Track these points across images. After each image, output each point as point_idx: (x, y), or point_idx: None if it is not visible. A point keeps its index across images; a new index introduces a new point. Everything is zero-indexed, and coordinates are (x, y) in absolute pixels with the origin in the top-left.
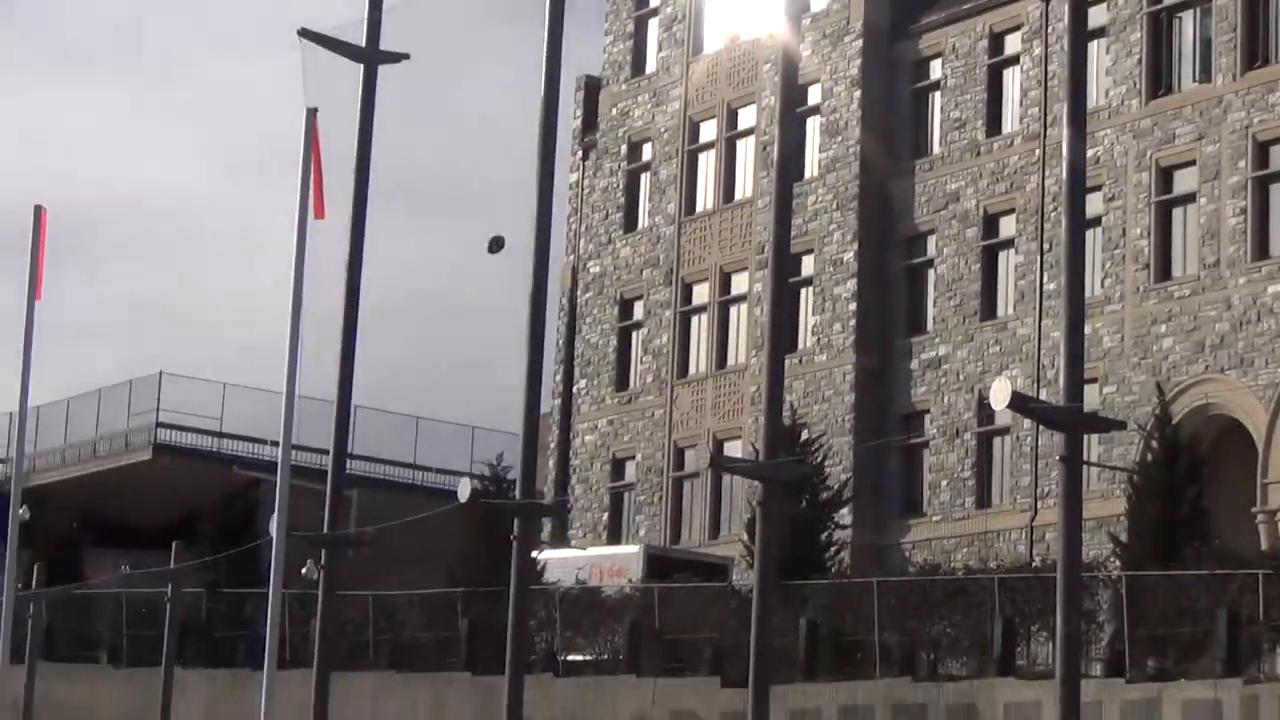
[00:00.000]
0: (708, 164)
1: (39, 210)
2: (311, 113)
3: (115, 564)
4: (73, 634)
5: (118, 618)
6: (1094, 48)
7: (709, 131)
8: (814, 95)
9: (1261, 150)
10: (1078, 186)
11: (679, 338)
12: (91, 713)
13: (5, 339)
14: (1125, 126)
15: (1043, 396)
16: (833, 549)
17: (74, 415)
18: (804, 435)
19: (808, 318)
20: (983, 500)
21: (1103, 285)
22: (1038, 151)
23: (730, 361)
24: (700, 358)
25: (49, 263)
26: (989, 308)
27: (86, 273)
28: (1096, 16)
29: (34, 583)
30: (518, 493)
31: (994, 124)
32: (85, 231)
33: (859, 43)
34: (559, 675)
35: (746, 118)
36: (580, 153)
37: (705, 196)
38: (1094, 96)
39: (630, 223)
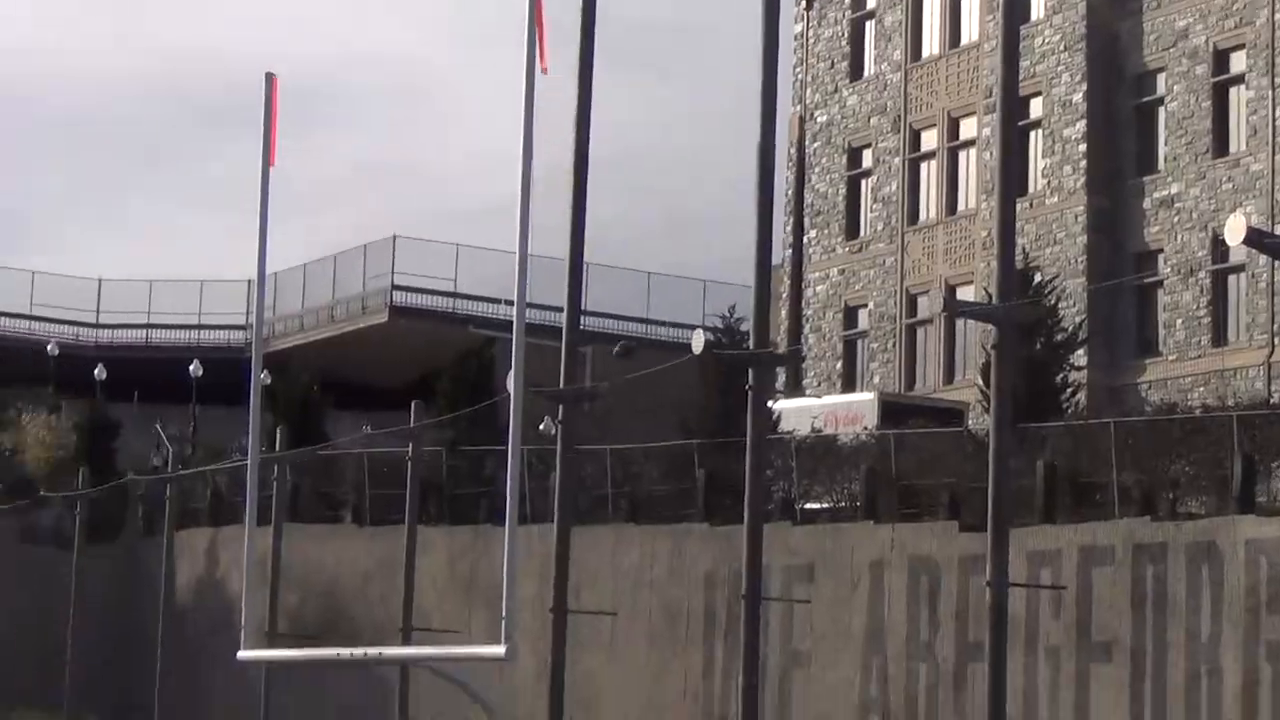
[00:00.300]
0: (933, 8)
1: (270, 77)
2: None
3: (356, 425)
4: (317, 495)
5: (360, 478)
6: None
7: None
8: None
9: None
10: None
11: (908, 185)
12: (337, 570)
13: (242, 207)
14: None
15: (1278, 232)
16: (1068, 390)
17: (311, 280)
18: (1036, 278)
19: (1037, 160)
20: (1218, 338)
21: None
22: None
23: (960, 207)
24: (930, 204)
25: (283, 130)
26: (1221, 144)
27: (320, 139)
28: None
29: (278, 445)
30: (751, 343)
31: None
32: (318, 98)
33: None
34: (796, 523)
35: None
36: (804, 2)
37: (931, 42)
38: None
39: (856, 71)
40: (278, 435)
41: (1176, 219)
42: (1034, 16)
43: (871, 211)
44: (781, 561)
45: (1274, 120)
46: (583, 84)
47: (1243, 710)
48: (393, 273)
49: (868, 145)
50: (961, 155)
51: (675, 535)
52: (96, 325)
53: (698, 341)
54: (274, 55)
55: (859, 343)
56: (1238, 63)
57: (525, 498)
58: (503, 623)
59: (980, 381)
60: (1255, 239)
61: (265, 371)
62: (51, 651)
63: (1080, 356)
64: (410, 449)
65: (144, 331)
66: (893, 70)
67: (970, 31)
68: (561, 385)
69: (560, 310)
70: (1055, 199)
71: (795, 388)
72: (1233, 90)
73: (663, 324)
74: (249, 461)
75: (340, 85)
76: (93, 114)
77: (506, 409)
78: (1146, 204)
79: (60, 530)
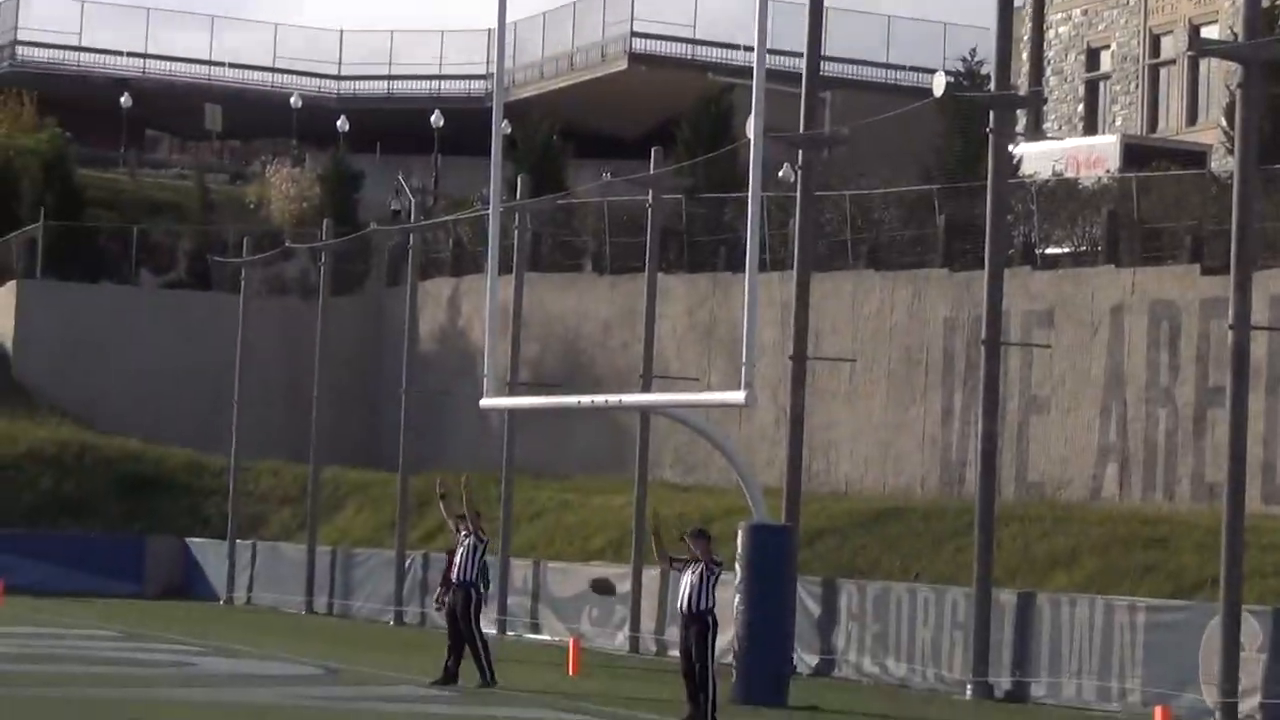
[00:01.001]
0: None
1: None
2: None
3: (596, 173)
4: (557, 243)
5: (600, 226)
6: None
7: None
8: None
9: None
10: None
11: None
12: (578, 319)
13: None
14: None
15: None
16: None
17: (550, 28)
18: None
19: None
20: None
21: None
22: None
23: None
24: None
25: None
26: None
27: None
28: None
29: (518, 194)
30: (992, 85)
31: None
32: None
33: None
34: (1037, 268)
35: None
36: None
37: None
38: None
39: None
40: (518, 184)
41: None
42: None
43: None
44: (1021, 306)
45: None
46: None
47: None
48: (631, 19)
49: None
50: None
51: (915, 281)
52: (339, 77)
53: (938, 84)
54: None
55: (1101, 84)
56: None
57: (764, 245)
58: (742, 369)
59: (1224, 123)
60: None
61: (506, 120)
62: (297, 401)
63: None
64: (650, 196)
65: (385, 82)
66: None
67: None
68: (801, 130)
69: (800, 55)
70: None
71: (1036, 131)
72: None
73: (902, 68)
74: (490, 211)
75: None
76: None
77: (746, 155)
78: None
79: (305, 281)
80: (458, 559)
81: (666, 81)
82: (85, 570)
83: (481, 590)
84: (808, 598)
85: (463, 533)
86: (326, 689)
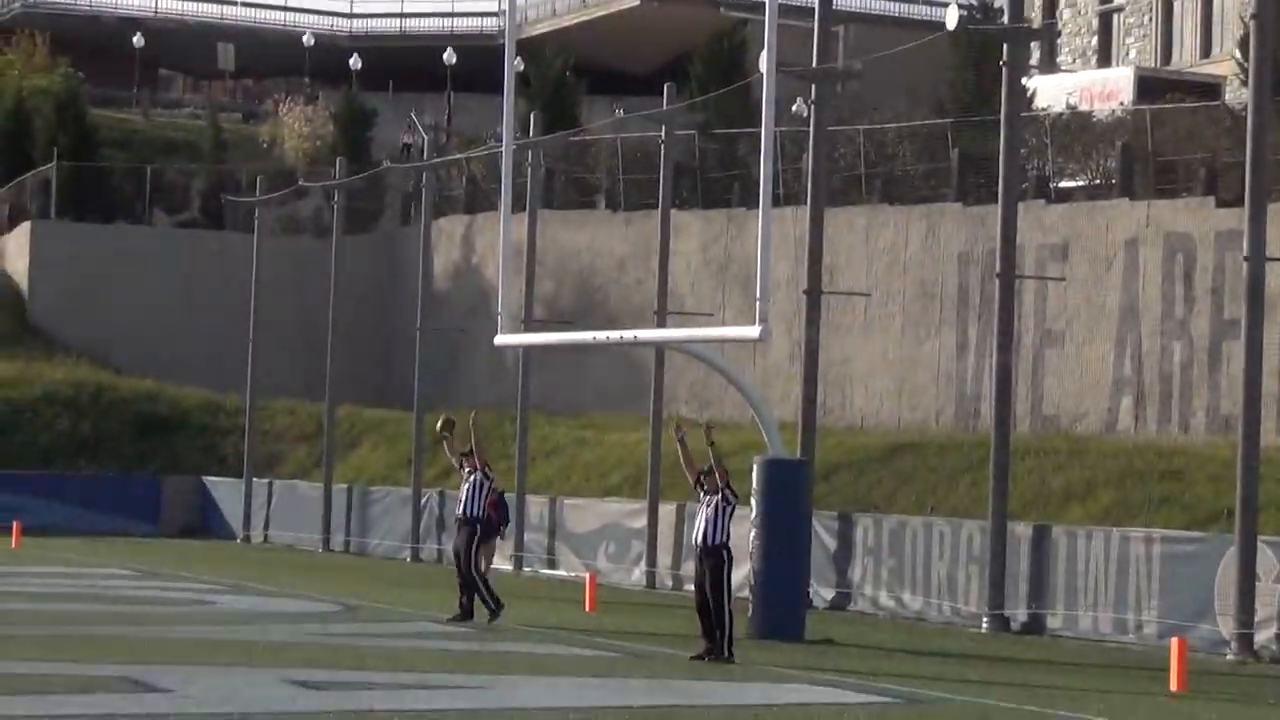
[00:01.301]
0: None
1: None
2: None
3: (609, 110)
4: (571, 180)
5: (614, 163)
6: None
7: None
8: None
9: None
10: None
11: None
12: (592, 255)
13: None
14: None
15: None
16: None
17: None
18: None
19: None
20: None
21: None
22: None
23: None
24: None
25: None
26: None
27: None
28: None
29: (531, 132)
30: (1006, 18)
31: None
32: None
33: None
34: (1050, 202)
35: None
36: None
37: None
38: None
39: None
40: (531, 121)
41: None
42: None
43: None
44: (1036, 240)
45: None
46: None
47: None
48: None
49: None
50: None
51: (929, 215)
52: (351, 15)
53: (951, 17)
54: None
55: (1115, 17)
56: None
57: (778, 180)
58: (757, 304)
59: (1238, 54)
60: None
61: (519, 58)
62: (312, 340)
63: None
64: (663, 132)
65: (398, 20)
66: None
67: None
68: (814, 65)
69: None
70: None
71: (1050, 64)
72: None
73: (915, 2)
74: (503, 148)
75: None
76: None
77: (759, 90)
78: None
79: (319, 219)
80: (462, 495)
81: (679, 17)
82: (102, 510)
83: (499, 527)
84: (824, 532)
85: (466, 469)
86: (344, 625)
